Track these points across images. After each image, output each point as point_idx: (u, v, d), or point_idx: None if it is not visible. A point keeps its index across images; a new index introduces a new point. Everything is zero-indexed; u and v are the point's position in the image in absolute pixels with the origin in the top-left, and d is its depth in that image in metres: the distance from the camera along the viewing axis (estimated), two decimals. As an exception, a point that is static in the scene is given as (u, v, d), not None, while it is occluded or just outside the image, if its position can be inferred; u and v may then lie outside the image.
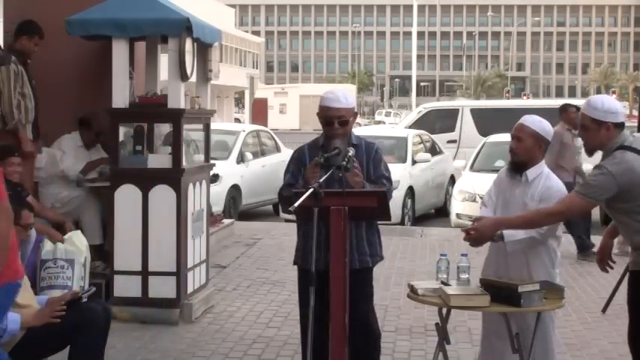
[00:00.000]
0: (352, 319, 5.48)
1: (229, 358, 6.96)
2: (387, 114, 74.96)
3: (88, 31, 7.77)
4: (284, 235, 12.62)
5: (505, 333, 5.31)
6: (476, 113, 21.34)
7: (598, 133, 5.10)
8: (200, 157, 8.78)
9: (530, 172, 5.47)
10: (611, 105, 5.14)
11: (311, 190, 4.73)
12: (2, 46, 8.37)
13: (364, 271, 5.57)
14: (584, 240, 11.52)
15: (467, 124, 20.87)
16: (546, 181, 5.47)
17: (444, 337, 5.46)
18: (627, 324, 6.03)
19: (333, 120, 5.44)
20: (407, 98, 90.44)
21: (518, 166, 5.51)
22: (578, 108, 10.60)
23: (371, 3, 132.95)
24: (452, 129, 20.74)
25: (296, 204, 4.67)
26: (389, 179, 5.54)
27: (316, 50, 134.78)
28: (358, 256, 5.51)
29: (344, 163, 4.98)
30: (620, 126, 5.11)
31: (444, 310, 5.41)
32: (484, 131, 19.00)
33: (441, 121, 20.79)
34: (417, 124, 20.64)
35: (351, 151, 5.13)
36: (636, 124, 14.85)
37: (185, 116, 7.78)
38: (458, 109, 21.66)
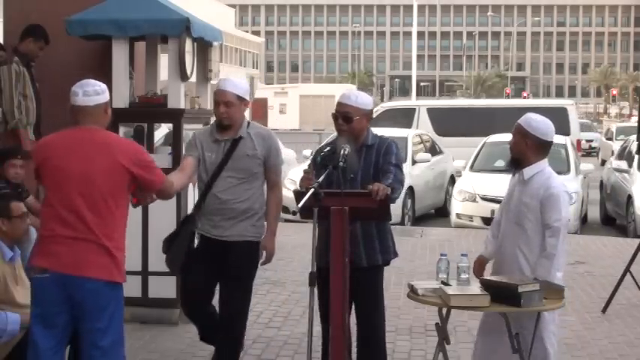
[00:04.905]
0: (358, 317, 5.50)
1: (229, 358, 6.95)
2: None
3: (88, 31, 7.77)
4: (284, 235, 12.60)
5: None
6: (432, 113, 21.52)
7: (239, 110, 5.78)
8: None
9: (526, 171, 5.48)
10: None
11: (312, 190, 4.78)
12: (3, 46, 8.37)
13: (373, 270, 5.57)
14: None
15: (423, 123, 20.98)
16: (547, 181, 5.46)
17: (444, 337, 5.46)
18: (627, 324, 6.04)
19: (338, 115, 5.51)
20: (407, 98, 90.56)
21: (514, 163, 5.57)
22: None
23: (371, 3, 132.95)
24: (408, 128, 20.76)
25: (299, 205, 4.73)
26: (397, 166, 5.50)
27: (316, 50, 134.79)
28: (367, 254, 5.51)
29: (340, 163, 5.02)
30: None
31: (444, 310, 5.42)
32: (441, 131, 19.08)
33: (398, 121, 20.54)
34: (373, 123, 20.61)
35: (347, 149, 5.15)
36: (636, 124, 14.84)
37: (185, 116, 7.79)
38: (414, 109, 21.88)
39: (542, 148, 5.50)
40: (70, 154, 4.72)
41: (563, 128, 18.52)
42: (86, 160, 4.70)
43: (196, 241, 5.97)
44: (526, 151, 5.47)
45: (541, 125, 5.48)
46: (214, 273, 5.81)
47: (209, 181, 5.73)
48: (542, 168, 5.50)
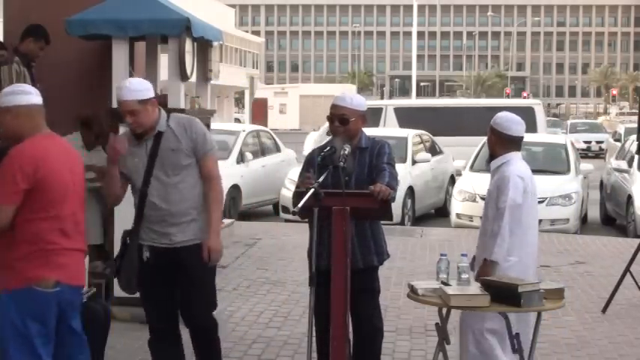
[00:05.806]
0: (357, 318, 5.50)
1: (229, 358, 6.94)
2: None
3: (88, 31, 7.77)
4: (284, 235, 12.62)
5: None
6: (399, 112, 21.65)
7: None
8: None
9: (492, 163, 5.78)
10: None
11: (312, 190, 4.79)
12: (5, 45, 8.37)
13: (369, 270, 5.61)
14: None
15: (390, 122, 21.12)
16: (504, 167, 5.66)
17: (443, 337, 5.47)
18: (627, 324, 6.04)
19: (334, 117, 5.53)
20: (407, 98, 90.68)
21: (490, 158, 5.85)
22: None
23: (371, 3, 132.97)
24: (376, 127, 20.79)
25: (299, 205, 4.73)
26: (389, 164, 5.49)
27: (316, 50, 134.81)
28: (362, 255, 5.53)
29: (341, 163, 5.03)
30: None
31: (444, 310, 5.42)
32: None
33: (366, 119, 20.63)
34: None
35: (347, 149, 5.16)
36: (636, 125, 14.84)
37: (185, 116, 7.77)
38: (382, 108, 22.03)
39: (508, 141, 5.71)
40: (61, 165, 4.69)
41: (530, 127, 18.70)
42: (71, 170, 4.73)
43: (145, 254, 5.41)
44: (494, 145, 5.79)
45: (503, 121, 5.75)
46: (172, 282, 5.48)
47: (142, 188, 5.31)
48: (508, 159, 5.70)
